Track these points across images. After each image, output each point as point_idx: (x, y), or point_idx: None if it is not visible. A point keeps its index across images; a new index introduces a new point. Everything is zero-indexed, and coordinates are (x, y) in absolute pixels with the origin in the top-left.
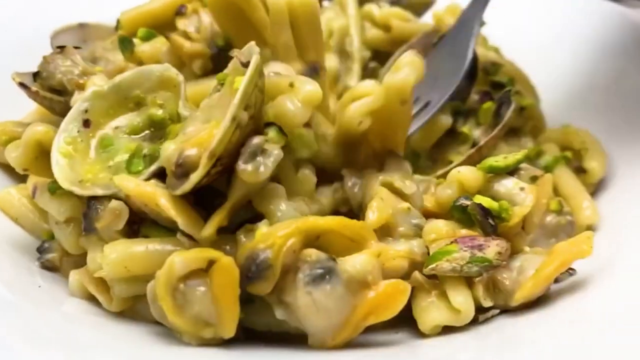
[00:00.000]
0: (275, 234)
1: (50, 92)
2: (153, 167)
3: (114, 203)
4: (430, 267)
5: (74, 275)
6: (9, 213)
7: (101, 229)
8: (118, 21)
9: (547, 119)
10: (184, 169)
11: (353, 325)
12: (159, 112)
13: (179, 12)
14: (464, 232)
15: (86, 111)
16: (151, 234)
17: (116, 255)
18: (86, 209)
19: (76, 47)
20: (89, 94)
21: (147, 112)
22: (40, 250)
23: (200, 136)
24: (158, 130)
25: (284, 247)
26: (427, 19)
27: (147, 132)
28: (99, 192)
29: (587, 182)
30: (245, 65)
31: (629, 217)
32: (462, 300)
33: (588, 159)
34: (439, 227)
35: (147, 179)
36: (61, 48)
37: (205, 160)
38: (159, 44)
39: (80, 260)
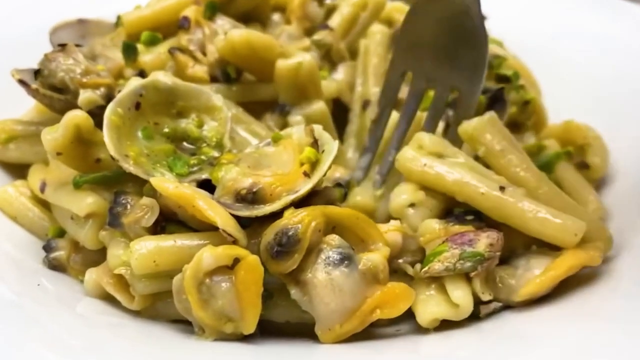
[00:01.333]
0: (303, 213)
1: (51, 90)
2: (201, 177)
3: (145, 200)
4: (423, 270)
5: (90, 274)
6: (7, 212)
7: (127, 225)
8: (118, 17)
9: (549, 114)
10: (255, 196)
11: (361, 316)
12: (196, 130)
13: (182, 26)
14: (457, 228)
15: (141, 95)
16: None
17: (146, 251)
18: (113, 203)
19: (77, 45)
20: (150, 81)
21: (186, 126)
22: (47, 248)
23: (276, 180)
24: (194, 145)
25: (312, 223)
26: None
27: (183, 143)
28: (141, 174)
29: (590, 178)
30: (315, 141)
31: (632, 213)
32: (460, 294)
33: (591, 155)
34: (433, 227)
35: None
36: (62, 46)
37: (286, 202)
38: (162, 53)
39: (89, 259)
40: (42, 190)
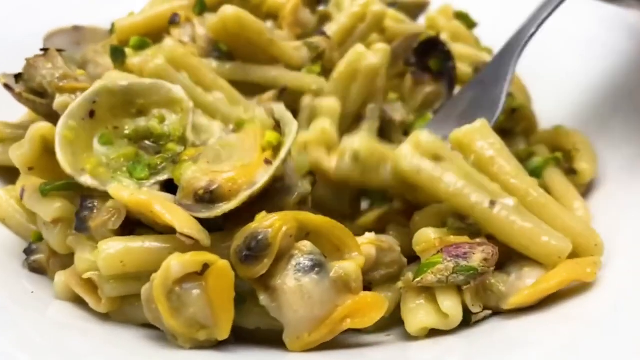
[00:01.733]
0: (274, 217)
1: (34, 94)
2: (162, 178)
3: (111, 202)
4: (416, 280)
5: (60, 277)
6: None
7: (94, 228)
8: (113, 25)
9: (539, 120)
10: (213, 196)
11: (331, 325)
12: (159, 127)
13: (173, 21)
14: (453, 238)
15: (94, 102)
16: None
17: (113, 251)
18: (79, 207)
19: (59, 50)
20: (100, 87)
21: (148, 123)
22: (28, 252)
23: (235, 174)
24: (157, 143)
25: (283, 228)
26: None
27: (146, 142)
28: (99, 186)
29: (577, 183)
30: (277, 122)
31: (619, 218)
32: (450, 304)
33: (579, 160)
34: (428, 235)
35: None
36: (45, 51)
37: (243, 198)
38: (150, 55)
39: (68, 262)
40: (22, 196)
